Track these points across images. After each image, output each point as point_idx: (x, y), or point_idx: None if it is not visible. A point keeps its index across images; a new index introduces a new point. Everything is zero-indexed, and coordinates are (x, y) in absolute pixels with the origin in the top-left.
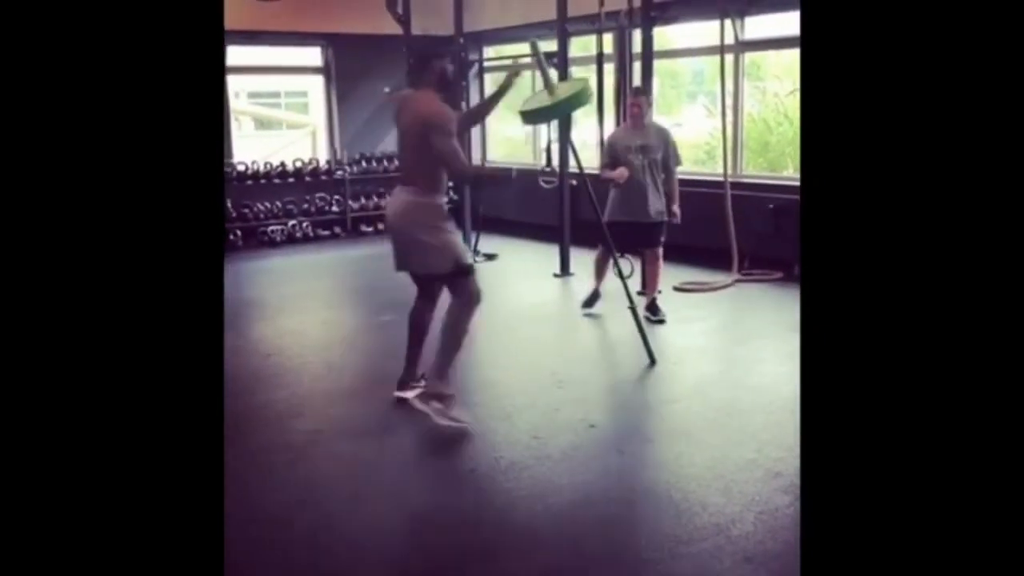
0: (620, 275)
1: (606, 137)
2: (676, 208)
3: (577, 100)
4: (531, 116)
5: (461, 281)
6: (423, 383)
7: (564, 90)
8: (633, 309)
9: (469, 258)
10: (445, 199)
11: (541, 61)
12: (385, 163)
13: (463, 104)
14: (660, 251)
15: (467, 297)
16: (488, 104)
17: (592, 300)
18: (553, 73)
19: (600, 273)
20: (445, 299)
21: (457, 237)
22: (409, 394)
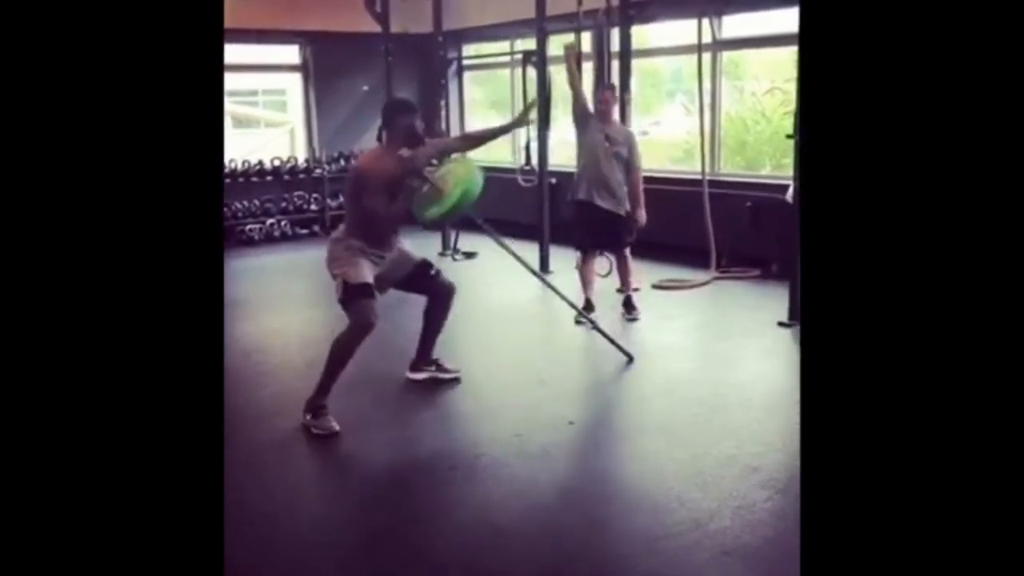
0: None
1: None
2: (641, 212)
3: (467, 199)
4: (431, 221)
5: (350, 305)
6: (434, 368)
7: (451, 185)
8: (592, 320)
9: (358, 279)
10: (358, 242)
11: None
12: None
13: (441, 103)
14: (627, 251)
15: (352, 321)
16: (487, 134)
17: (586, 310)
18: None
19: (586, 281)
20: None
21: (351, 263)
22: (420, 375)
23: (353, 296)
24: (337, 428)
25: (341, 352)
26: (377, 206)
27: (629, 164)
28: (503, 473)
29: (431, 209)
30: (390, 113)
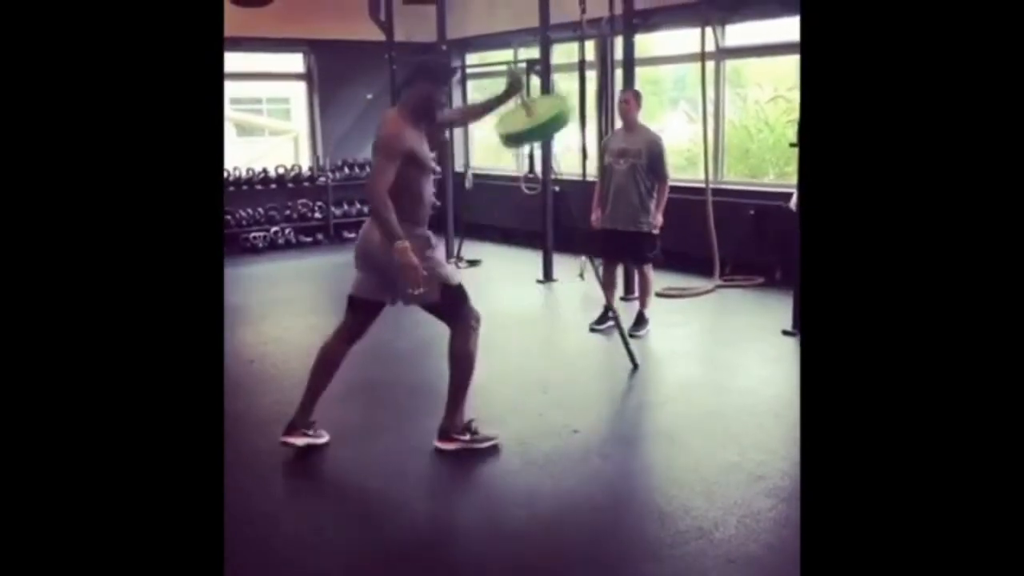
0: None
1: (590, 142)
2: (659, 217)
3: (557, 123)
4: (511, 139)
5: (455, 307)
6: (310, 432)
7: (543, 109)
8: (616, 318)
9: (457, 279)
10: (423, 229)
11: (521, 90)
12: (367, 169)
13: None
14: (648, 267)
15: (467, 324)
16: (483, 108)
17: (604, 318)
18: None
19: (609, 290)
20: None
21: (442, 262)
22: (299, 441)
23: (457, 298)
24: (496, 436)
25: (470, 363)
26: (380, 167)
27: (654, 172)
28: (507, 481)
29: (517, 126)
30: (414, 75)
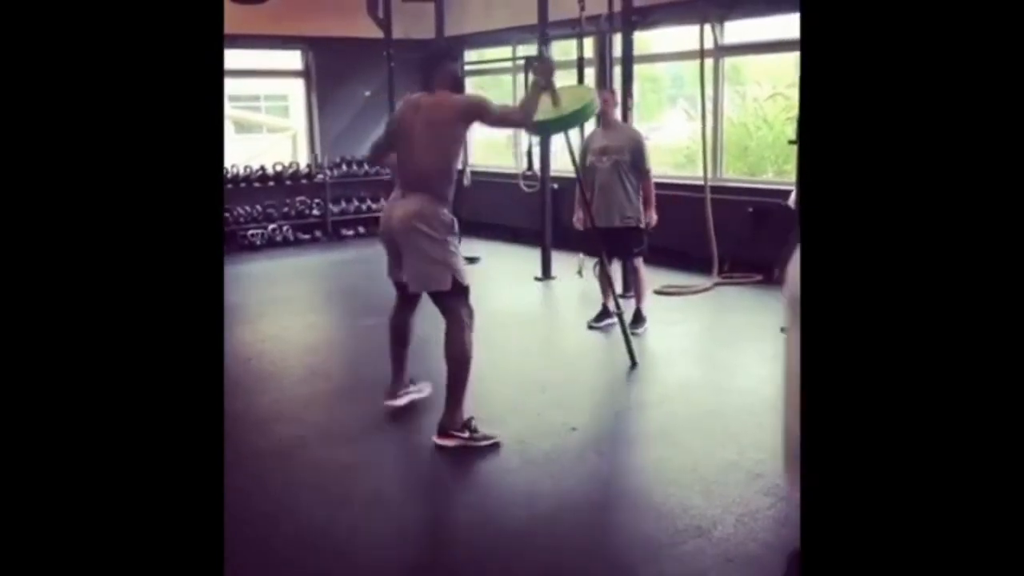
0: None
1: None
2: (653, 213)
3: (583, 115)
4: (536, 128)
5: (456, 302)
6: (411, 389)
7: (569, 101)
8: (620, 315)
9: (468, 279)
10: (450, 211)
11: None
12: (366, 167)
13: None
14: (639, 261)
15: (461, 319)
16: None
17: (602, 316)
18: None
19: (605, 289)
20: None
21: (459, 254)
22: (399, 402)
23: (461, 294)
24: (497, 435)
25: (465, 357)
26: (504, 109)
27: (637, 168)
28: (506, 480)
29: (545, 113)
30: (439, 57)
